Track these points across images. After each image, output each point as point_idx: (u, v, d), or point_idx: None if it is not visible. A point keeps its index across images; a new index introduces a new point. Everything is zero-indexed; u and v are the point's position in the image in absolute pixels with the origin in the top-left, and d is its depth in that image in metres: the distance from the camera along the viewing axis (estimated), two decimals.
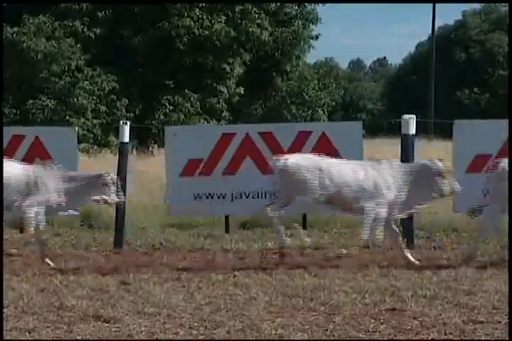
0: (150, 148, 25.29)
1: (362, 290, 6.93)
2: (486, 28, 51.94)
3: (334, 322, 5.96)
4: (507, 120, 9.59)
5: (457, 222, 10.62)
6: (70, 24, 25.42)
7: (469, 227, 10.47)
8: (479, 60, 50.86)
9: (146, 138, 25.49)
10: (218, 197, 9.64)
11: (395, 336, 5.65)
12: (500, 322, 5.92)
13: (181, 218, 10.89)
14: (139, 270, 8.05)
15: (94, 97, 25.25)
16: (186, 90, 26.46)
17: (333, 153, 9.75)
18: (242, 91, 27.51)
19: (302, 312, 6.26)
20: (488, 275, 7.65)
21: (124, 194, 8.87)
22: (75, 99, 24.68)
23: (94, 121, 25.26)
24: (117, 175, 9.21)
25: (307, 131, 9.91)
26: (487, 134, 9.54)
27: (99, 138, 25.55)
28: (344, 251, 8.34)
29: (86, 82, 25.01)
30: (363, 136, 10.14)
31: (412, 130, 9.62)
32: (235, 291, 6.98)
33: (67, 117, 24.76)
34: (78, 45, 25.19)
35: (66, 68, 24.89)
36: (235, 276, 7.69)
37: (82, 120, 24.80)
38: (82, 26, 25.64)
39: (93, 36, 25.58)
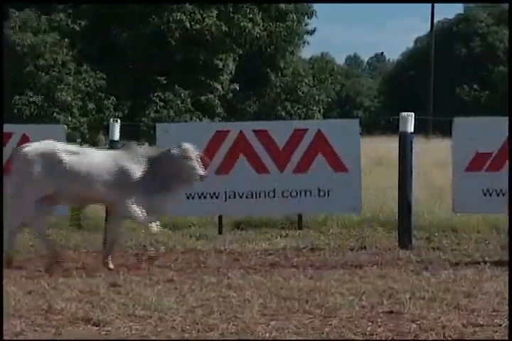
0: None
1: (359, 292, 6.95)
2: (488, 22, 52.03)
3: (330, 325, 5.98)
4: (507, 117, 9.63)
5: (456, 222, 10.67)
6: (57, 18, 25.41)
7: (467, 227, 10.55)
8: (480, 55, 50.94)
9: (136, 136, 25.48)
10: (211, 197, 9.66)
11: (393, 339, 5.68)
12: (500, 325, 5.94)
13: (173, 218, 10.90)
14: (130, 271, 8.07)
15: (81, 95, 25.22)
16: (177, 86, 26.43)
17: (330, 152, 9.82)
18: (238, 88, 27.50)
19: (297, 314, 6.28)
20: (488, 276, 7.68)
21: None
22: (61, 96, 24.64)
23: (82, 119, 25.23)
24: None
25: (303, 128, 9.95)
26: (487, 132, 9.58)
27: (86, 136, 25.54)
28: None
29: (70, 78, 24.97)
30: (360, 134, 10.18)
31: (411, 127, 9.66)
32: (229, 293, 7.00)
33: (54, 114, 24.74)
34: (66, 39, 25.16)
35: (52, 63, 24.87)
36: (228, 278, 7.71)
37: (69, 118, 24.77)
38: (67, 19, 25.60)
39: (78, 28, 25.51)
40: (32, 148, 8.40)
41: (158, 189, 8.31)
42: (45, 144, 8.47)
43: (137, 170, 8.30)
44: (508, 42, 42.61)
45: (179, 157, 8.30)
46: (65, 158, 8.28)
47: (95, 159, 8.33)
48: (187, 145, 8.38)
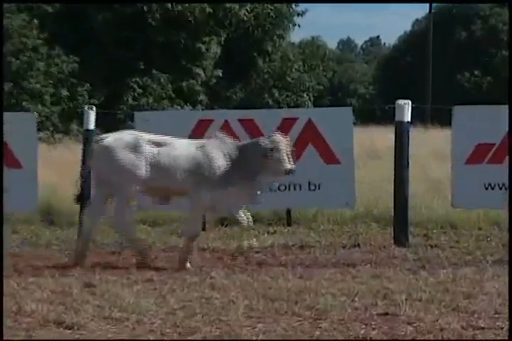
0: None
1: (351, 293, 6.98)
2: (490, 3, 52.11)
3: (321, 327, 6.00)
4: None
5: (456, 217, 10.71)
6: None
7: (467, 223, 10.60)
8: (481, 38, 51.07)
9: (113, 125, 25.45)
10: None
11: None
12: (502, 327, 5.97)
13: (153, 214, 10.91)
14: (106, 271, 8.08)
15: (53, 81, 25.11)
16: (156, 71, 26.36)
17: (321, 143, 9.84)
18: (221, 74, 27.47)
19: (286, 316, 6.30)
20: (489, 276, 7.73)
21: (89, 187, 8.87)
22: (32, 83, 24.55)
23: (53, 108, 25.15)
24: (82, 165, 9.23)
25: (292, 117, 9.96)
26: (489, 121, 9.61)
27: (59, 125, 25.47)
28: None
29: (41, 63, 24.86)
30: (354, 123, 10.20)
31: (407, 116, 9.69)
32: (212, 294, 7.02)
33: (24, 103, 24.65)
34: (36, 21, 25.04)
35: (22, 47, 24.77)
36: (211, 278, 7.73)
37: (39, 106, 24.70)
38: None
39: (50, 9, 25.40)
40: (114, 138, 8.41)
41: (243, 181, 8.32)
42: (128, 134, 8.49)
43: (225, 161, 8.32)
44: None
45: (268, 148, 8.30)
46: (150, 148, 8.32)
47: (182, 149, 8.36)
48: (277, 136, 8.40)
